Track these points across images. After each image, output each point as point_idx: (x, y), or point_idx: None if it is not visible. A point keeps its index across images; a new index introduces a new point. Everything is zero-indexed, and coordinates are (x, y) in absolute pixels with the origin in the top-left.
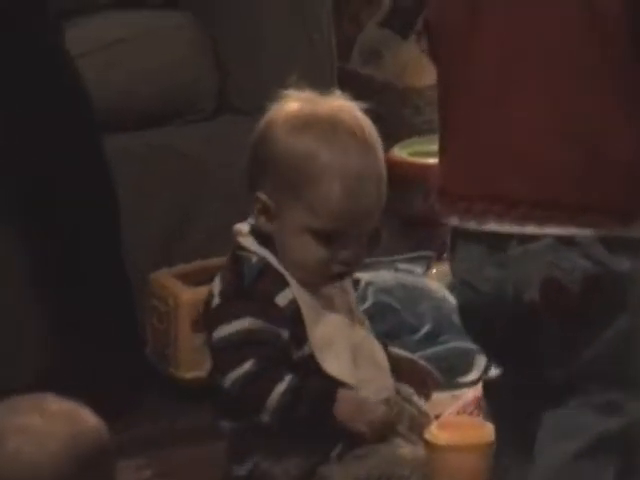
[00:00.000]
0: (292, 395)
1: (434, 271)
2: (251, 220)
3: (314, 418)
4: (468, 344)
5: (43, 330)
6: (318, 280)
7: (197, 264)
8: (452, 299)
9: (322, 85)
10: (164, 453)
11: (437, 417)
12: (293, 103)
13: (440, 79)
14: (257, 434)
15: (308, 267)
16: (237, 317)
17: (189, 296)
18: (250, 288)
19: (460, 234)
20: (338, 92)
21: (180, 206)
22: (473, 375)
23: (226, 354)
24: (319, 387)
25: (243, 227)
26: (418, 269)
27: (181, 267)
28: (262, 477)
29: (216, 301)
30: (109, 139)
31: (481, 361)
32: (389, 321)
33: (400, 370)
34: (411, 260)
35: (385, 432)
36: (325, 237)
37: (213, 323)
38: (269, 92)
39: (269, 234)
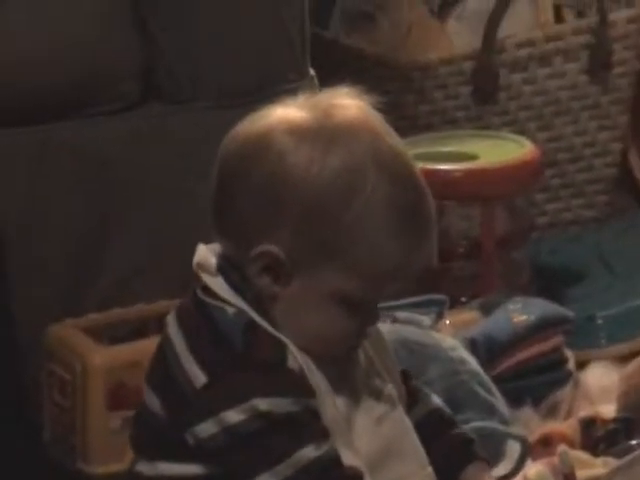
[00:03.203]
0: None
1: (447, 321)
2: (217, 247)
3: None
4: (495, 424)
5: None
6: (335, 355)
7: (114, 313)
8: (473, 361)
9: (289, 63)
10: None
11: None
12: (294, 110)
13: None
14: None
15: (329, 341)
16: (248, 397)
17: (104, 358)
18: (246, 353)
19: None
20: (344, 88)
21: (90, 230)
22: (504, 467)
23: (254, 445)
24: None
25: (208, 258)
26: (425, 319)
27: (91, 317)
28: None
29: (201, 379)
30: None
31: (514, 448)
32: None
33: None
34: (415, 306)
35: None
36: (359, 304)
37: (207, 410)
38: (213, 73)
39: (266, 294)
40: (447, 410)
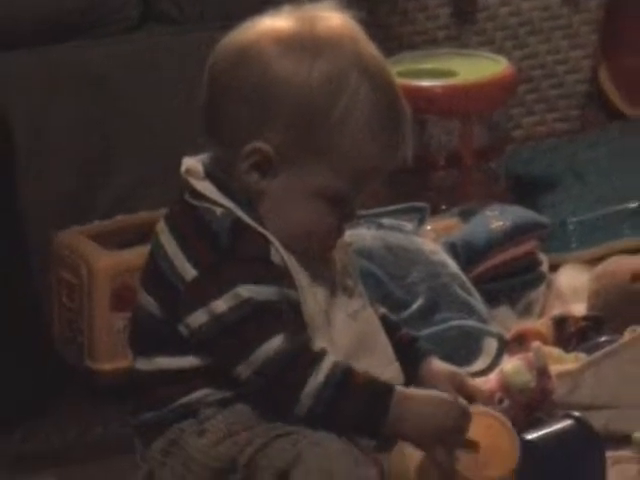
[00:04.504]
0: (336, 389)
1: (429, 227)
2: (204, 157)
3: (360, 424)
4: (474, 322)
5: None
6: (315, 252)
7: (118, 220)
8: (453, 264)
9: None
10: (76, 468)
11: None
12: (281, 21)
13: None
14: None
15: (310, 236)
16: (232, 286)
17: (108, 263)
18: (232, 247)
19: None
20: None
21: (95, 144)
22: (480, 363)
23: (234, 334)
24: (370, 381)
25: (195, 165)
26: (408, 225)
27: (97, 224)
28: None
29: (191, 273)
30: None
31: (491, 345)
32: (369, 294)
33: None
34: (399, 213)
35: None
36: (339, 201)
37: (197, 301)
38: None
39: (253, 190)
40: (390, 315)
